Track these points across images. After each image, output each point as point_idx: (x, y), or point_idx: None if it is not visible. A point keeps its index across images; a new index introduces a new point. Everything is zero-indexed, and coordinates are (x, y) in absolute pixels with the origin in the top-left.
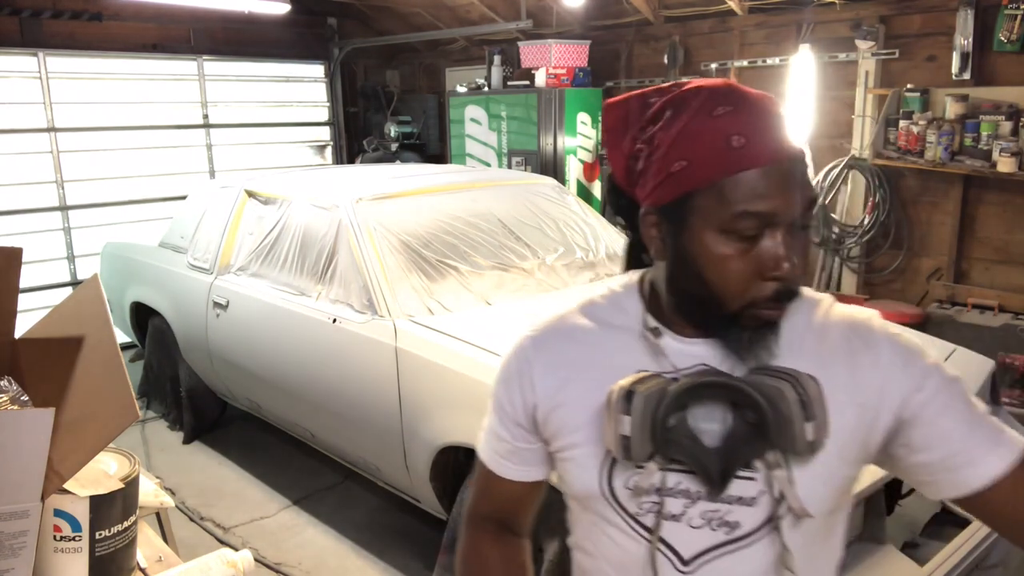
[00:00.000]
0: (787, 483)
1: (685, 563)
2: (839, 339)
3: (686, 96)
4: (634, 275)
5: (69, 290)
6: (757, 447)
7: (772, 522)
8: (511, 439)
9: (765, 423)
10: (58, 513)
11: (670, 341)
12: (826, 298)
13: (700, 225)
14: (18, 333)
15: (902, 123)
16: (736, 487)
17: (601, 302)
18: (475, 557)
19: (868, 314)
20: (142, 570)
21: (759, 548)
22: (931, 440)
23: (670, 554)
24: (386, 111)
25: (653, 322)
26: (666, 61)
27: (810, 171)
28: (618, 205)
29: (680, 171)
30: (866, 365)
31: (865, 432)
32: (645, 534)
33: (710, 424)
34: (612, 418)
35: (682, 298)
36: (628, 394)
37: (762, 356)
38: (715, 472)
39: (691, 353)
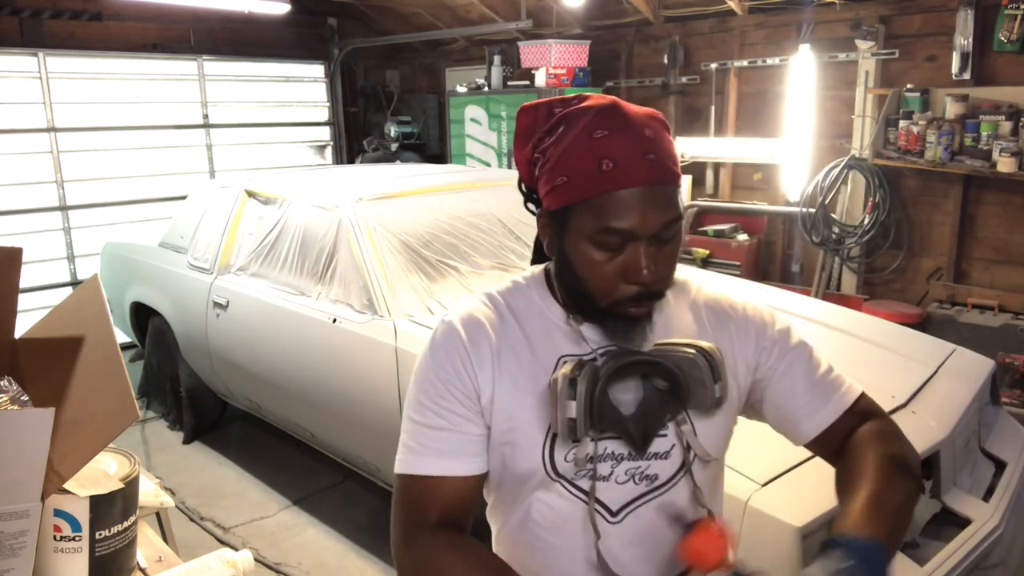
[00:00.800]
0: (693, 436)
1: (614, 515)
2: (710, 315)
3: (576, 114)
4: (537, 269)
5: (69, 290)
6: (669, 409)
7: (684, 468)
8: (453, 427)
9: (679, 388)
10: (58, 513)
11: (586, 326)
12: (691, 281)
13: (576, 233)
14: (18, 333)
15: (902, 123)
16: (653, 444)
17: (508, 294)
18: (440, 570)
19: (726, 291)
20: (142, 570)
21: (674, 492)
22: (778, 397)
23: (601, 509)
24: (386, 111)
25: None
26: (666, 61)
27: (681, 192)
28: (528, 199)
29: (562, 185)
30: (732, 333)
31: (737, 389)
32: (581, 496)
33: (626, 395)
34: (559, 404)
35: (566, 290)
36: (572, 381)
37: (636, 340)
38: (637, 436)
39: (600, 333)
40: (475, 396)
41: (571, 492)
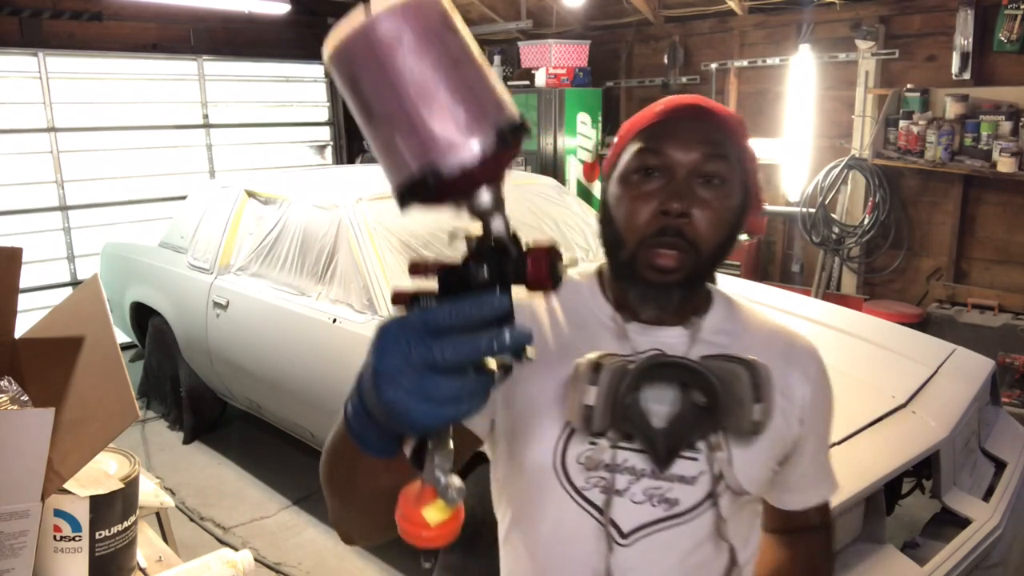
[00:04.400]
0: (727, 464)
1: (624, 536)
2: (777, 342)
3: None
4: (591, 266)
5: (69, 290)
6: (702, 429)
7: (710, 498)
8: None
9: (716, 403)
10: (58, 513)
11: (634, 326)
12: (743, 300)
13: (620, 173)
14: (18, 333)
15: (902, 123)
16: (678, 466)
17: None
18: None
19: (795, 329)
20: (142, 570)
21: (695, 525)
22: (791, 463)
23: (611, 528)
24: None
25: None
26: (666, 61)
27: (744, 144)
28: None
29: (620, 135)
30: (796, 376)
31: (784, 431)
32: (591, 510)
33: (660, 406)
34: (577, 388)
35: (607, 250)
36: (596, 366)
37: (667, 310)
38: (662, 451)
39: (648, 338)
40: None
41: (580, 504)
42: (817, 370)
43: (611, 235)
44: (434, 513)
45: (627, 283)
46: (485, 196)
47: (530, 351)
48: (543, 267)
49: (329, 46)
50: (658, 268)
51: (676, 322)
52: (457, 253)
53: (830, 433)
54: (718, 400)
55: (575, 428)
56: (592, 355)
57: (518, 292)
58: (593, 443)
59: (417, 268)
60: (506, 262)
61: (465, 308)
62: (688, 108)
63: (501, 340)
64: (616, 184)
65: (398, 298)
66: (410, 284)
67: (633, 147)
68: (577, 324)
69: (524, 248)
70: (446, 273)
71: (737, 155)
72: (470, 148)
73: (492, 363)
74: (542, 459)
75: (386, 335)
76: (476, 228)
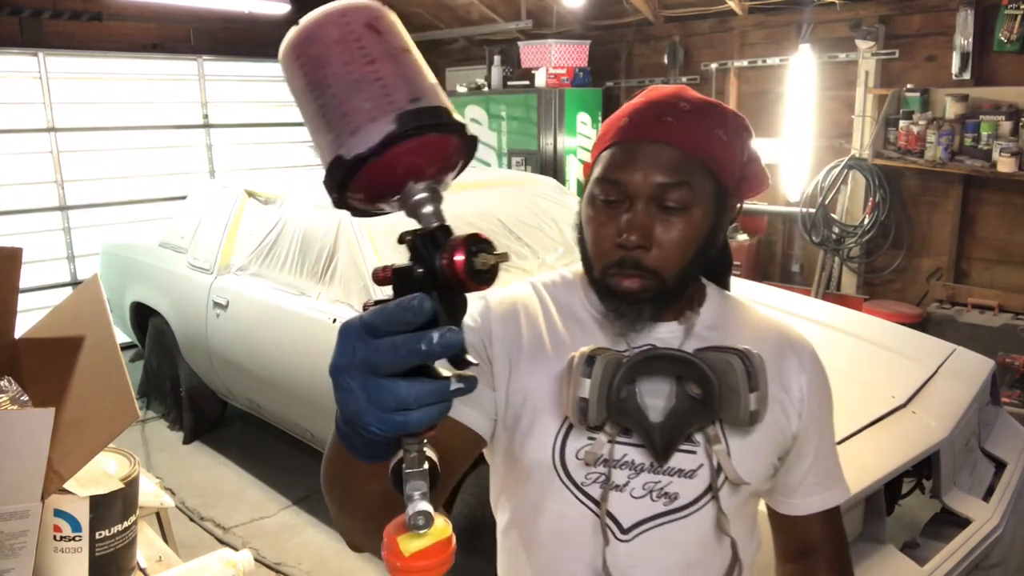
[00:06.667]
0: (725, 455)
1: (624, 531)
2: (770, 336)
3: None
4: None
5: (69, 290)
6: (699, 421)
7: (710, 492)
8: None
9: (712, 395)
10: (58, 513)
11: (627, 322)
12: (738, 296)
13: (588, 190)
14: (18, 333)
15: (902, 123)
16: (677, 460)
17: (552, 285)
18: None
19: (789, 323)
20: (142, 570)
21: (696, 519)
22: (793, 459)
23: (611, 523)
24: None
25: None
26: (666, 61)
27: (723, 188)
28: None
29: (596, 139)
30: (792, 369)
31: (784, 424)
32: (590, 504)
33: (656, 399)
34: (572, 381)
35: (583, 263)
36: (590, 359)
37: (636, 327)
38: (660, 444)
39: (643, 334)
40: (487, 361)
41: (579, 499)
42: (812, 362)
43: (583, 252)
44: (409, 542)
45: (600, 297)
46: (415, 190)
47: (470, 357)
48: (461, 263)
49: (280, 51)
50: (623, 292)
51: (670, 318)
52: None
53: (832, 431)
54: (713, 391)
55: (571, 422)
56: (586, 348)
57: (518, 298)
58: (591, 438)
59: (377, 275)
60: (434, 258)
61: (389, 308)
62: (652, 128)
63: (429, 344)
64: (585, 202)
65: (366, 307)
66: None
67: (596, 173)
68: (572, 321)
69: (449, 242)
70: (396, 274)
71: (705, 168)
72: (369, 135)
73: (445, 372)
74: (541, 455)
75: (341, 333)
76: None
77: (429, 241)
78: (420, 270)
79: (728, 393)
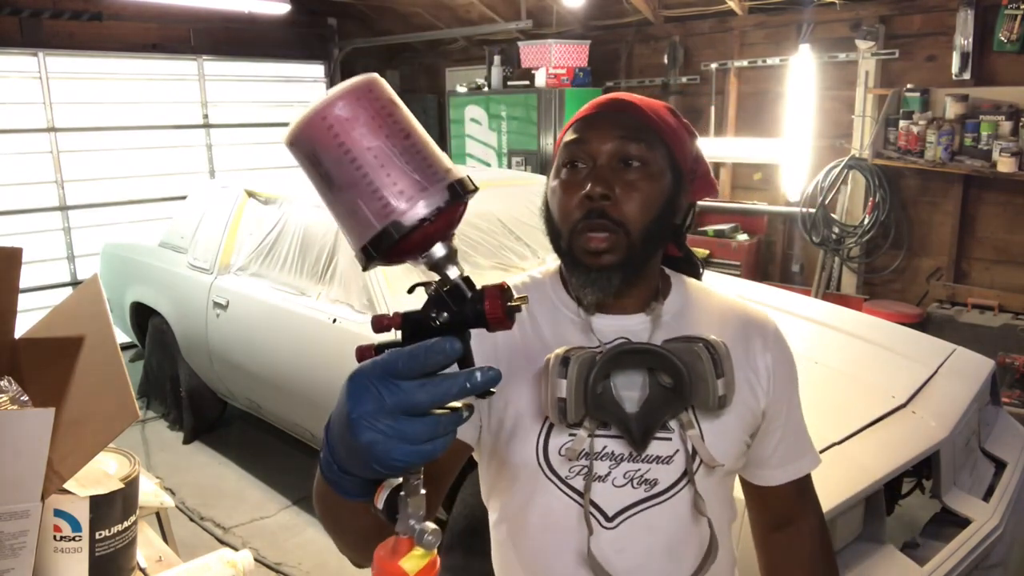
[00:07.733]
0: (699, 440)
1: (609, 519)
2: (733, 319)
3: None
4: (553, 264)
5: (69, 290)
6: (672, 408)
7: (687, 476)
8: None
9: (682, 383)
10: (58, 513)
11: (597, 317)
12: (694, 282)
13: (552, 172)
14: (18, 333)
15: (902, 123)
16: (654, 447)
17: (523, 287)
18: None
19: (750, 302)
20: (142, 570)
21: (674, 503)
22: (764, 434)
23: (596, 512)
24: None
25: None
26: (666, 61)
27: (666, 145)
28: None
29: (557, 140)
30: (757, 348)
31: (752, 403)
32: (575, 496)
33: (630, 392)
34: (549, 383)
35: (551, 242)
36: (565, 360)
37: (604, 293)
38: (637, 434)
39: (613, 327)
40: None
41: (564, 492)
42: (775, 339)
43: (551, 228)
44: (412, 563)
45: (570, 271)
46: (440, 249)
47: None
48: (499, 306)
49: (289, 130)
50: (591, 251)
51: (637, 309)
52: (418, 302)
53: (799, 403)
54: (684, 380)
55: (552, 422)
56: (560, 350)
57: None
58: (572, 435)
59: (380, 322)
60: (463, 305)
61: (420, 352)
62: (608, 102)
63: (474, 382)
64: (551, 178)
65: (360, 353)
66: (376, 339)
67: (559, 151)
68: (544, 321)
69: (478, 291)
70: (407, 321)
71: (660, 138)
72: (426, 204)
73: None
74: (526, 455)
75: (356, 382)
76: (434, 278)
77: (456, 291)
78: (445, 314)
79: (697, 381)
